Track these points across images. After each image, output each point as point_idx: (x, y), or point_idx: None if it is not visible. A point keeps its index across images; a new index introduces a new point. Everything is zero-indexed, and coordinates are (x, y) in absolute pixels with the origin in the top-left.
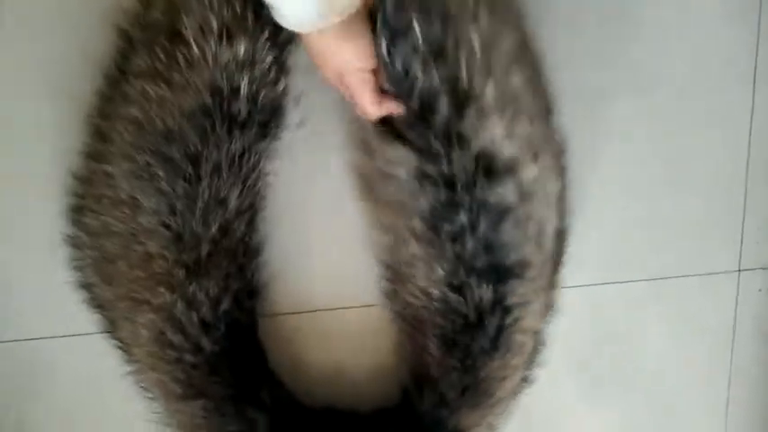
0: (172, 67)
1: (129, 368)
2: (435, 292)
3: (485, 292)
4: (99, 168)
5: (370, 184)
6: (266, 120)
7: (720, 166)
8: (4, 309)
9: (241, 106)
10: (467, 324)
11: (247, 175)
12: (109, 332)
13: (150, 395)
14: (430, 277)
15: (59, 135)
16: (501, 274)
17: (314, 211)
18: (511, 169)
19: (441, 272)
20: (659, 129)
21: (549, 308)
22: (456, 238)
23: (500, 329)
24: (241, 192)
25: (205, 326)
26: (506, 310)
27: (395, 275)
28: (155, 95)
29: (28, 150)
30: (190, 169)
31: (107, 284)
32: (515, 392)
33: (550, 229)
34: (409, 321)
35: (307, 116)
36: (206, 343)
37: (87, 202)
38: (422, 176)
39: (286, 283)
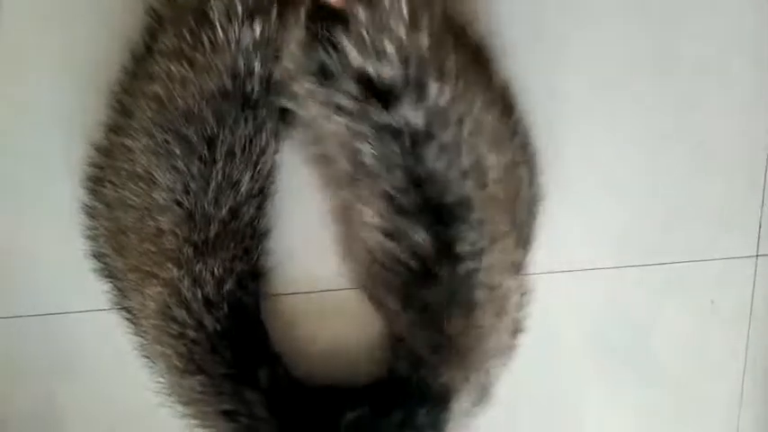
0: (196, 48)
1: (136, 339)
2: (371, 240)
3: (422, 237)
4: (119, 141)
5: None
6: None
7: (740, 151)
8: (35, 282)
9: (255, 86)
10: (414, 275)
11: (259, 158)
12: (118, 302)
13: (155, 367)
14: (366, 224)
15: (81, 109)
16: (439, 215)
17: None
18: (403, 88)
19: (373, 217)
20: (679, 112)
21: (517, 266)
22: (377, 172)
23: (454, 281)
24: (252, 175)
25: (208, 304)
26: (457, 259)
27: (345, 232)
28: (178, 75)
29: (49, 125)
30: (205, 150)
31: (118, 255)
32: (501, 353)
33: (492, 165)
34: (368, 281)
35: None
36: (208, 321)
37: (106, 173)
38: (330, 108)
39: (291, 264)
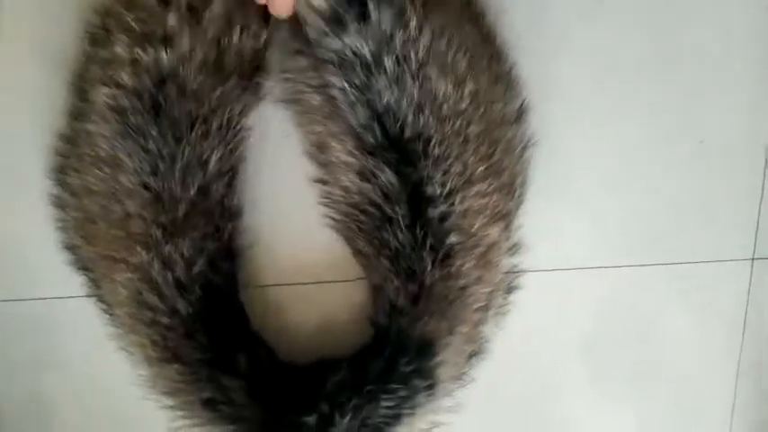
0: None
1: (113, 330)
2: (345, 180)
3: (389, 177)
4: (81, 127)
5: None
6: (249, 72)
7: (739, 152)
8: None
9: (227, 59)
10: (385, 217)
11: (227, 134)
12: (93, 293)
13: (134, 358)
14: (339, 163)
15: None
16: (401, 151)
17: (290, 175)
18: (345, 12)
19: (345, 155)
20: (680, 111)
21: (502, 214)
22: (343, 107)
23: (424, 225)
24: (222, 153)
25: (180, 286)
26: (427, 201)
27: (324, 176)
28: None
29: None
30: (180, 129)
31: (88, 244)
32: (490, 308)
33: (446, 96)
34: (344, 226)
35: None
36: (181, 305)
37: (70, 161)
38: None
39: (268, 254)
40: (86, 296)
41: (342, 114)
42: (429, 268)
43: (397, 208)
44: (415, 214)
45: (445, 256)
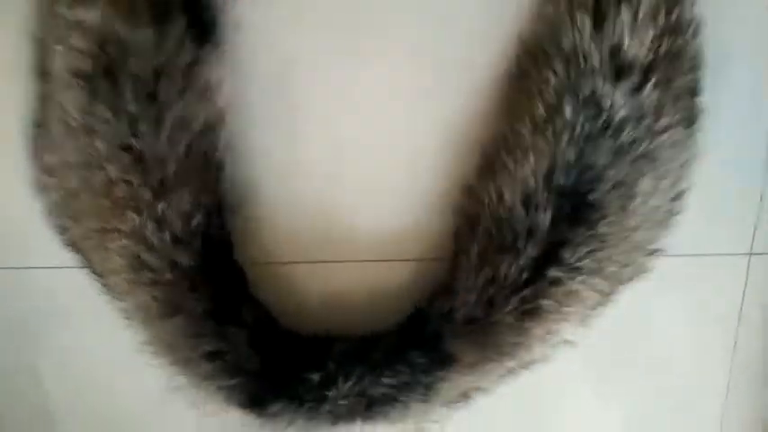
0: None
1: (109, 298)
2: (507, 194)
3: (545, 218)
4: (48, 98)
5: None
6: (210, 21)
7: (740, 148)
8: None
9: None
10: (511, 245)
11: (205, 86)
12: (87, 267)
13: (131, 322)
14: (515, 176)
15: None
16: (572, 207)
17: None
18: (634, 69)
19: (526, 172)
20: None
21: (586, 313)
22: (559, 132)
23: (529, 282)
24: (205, 107)
25: (178, 241)
26: (554, 262)
27: (485, 167)
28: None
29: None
30: (153, 87)
31: (75, 222)
32: (523, 363)
33: (645, 196)
34: (465, 220)
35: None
36: (182, 257)
37: (43, 141)
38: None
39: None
40: (79, 267)
41: (553, 137)
42: (509, 308)
43: (530, 247)
44: (540, 263)
45: (530, 311)
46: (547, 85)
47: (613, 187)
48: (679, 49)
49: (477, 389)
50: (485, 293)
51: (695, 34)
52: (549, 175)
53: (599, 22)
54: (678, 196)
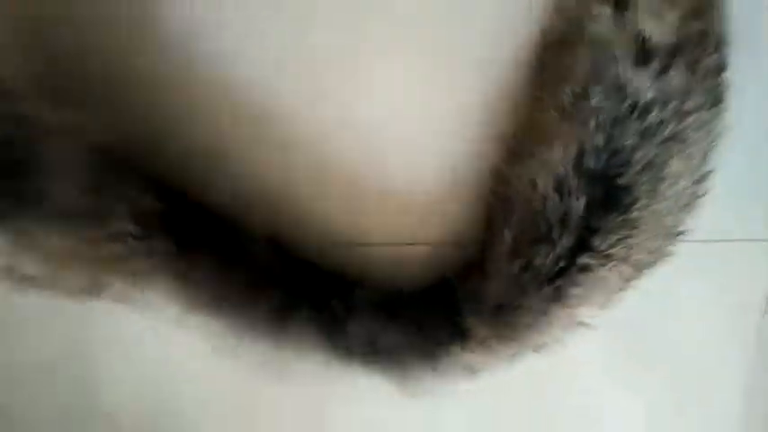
0: None
1: None
2: (541, 185)
3: (579, 205)
4: None
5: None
6: None
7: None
8: None
9: None
10: (538, 237)
11: None
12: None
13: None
14: (550, 159)
15: None
16: (604, 192)
17: None
18: (658, 53)
19: (559, 159)
20: None
21: (609, 298)
22: (586, 119)
23: (563, 271)
24: None
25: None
26: (586, 251)
27: (513, 154)
28: None
29: None
30: None
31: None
32: (536, 346)
33: (674, 178)
34: (498, 206)
35: None
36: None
37: None
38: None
39: None
40: None
41: (579, 124)
42: (540, 296)
43: (565, 236)
44: (574, 252)
45: (557, 297)
46: (571, 73)
47: (643, 169)
48: (704, 30)
49: (485, 367)
50: (519, 281)
51: (720, 13)
52: (578, 160)
53: (620, 8)
54: (703, 178)
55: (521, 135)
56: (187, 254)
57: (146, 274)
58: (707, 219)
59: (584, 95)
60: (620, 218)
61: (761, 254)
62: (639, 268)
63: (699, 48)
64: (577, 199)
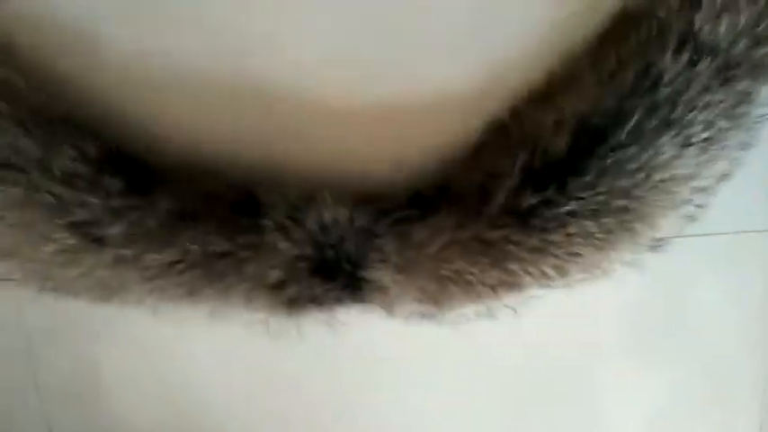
0: None
1: None
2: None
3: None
4: None
5: None
6: None
7: None
8: None
9: None
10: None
11: None
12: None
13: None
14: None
15: None
16: (590, 141)
17: None
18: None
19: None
20: None
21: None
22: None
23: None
24: None
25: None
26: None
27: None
28: None
29: None
30: None
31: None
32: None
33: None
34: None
35: None
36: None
37: None
38: None
39: None
40: None
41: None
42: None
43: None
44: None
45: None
46: (627, 45)
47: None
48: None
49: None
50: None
51: None
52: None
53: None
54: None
55: (544, 82)
56: (139, 194)
57: (101, 220)
58: (729, 212)
59: (625, 67)
60: (600, 164)
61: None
62: (616, 239)
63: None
64: (567, 138)
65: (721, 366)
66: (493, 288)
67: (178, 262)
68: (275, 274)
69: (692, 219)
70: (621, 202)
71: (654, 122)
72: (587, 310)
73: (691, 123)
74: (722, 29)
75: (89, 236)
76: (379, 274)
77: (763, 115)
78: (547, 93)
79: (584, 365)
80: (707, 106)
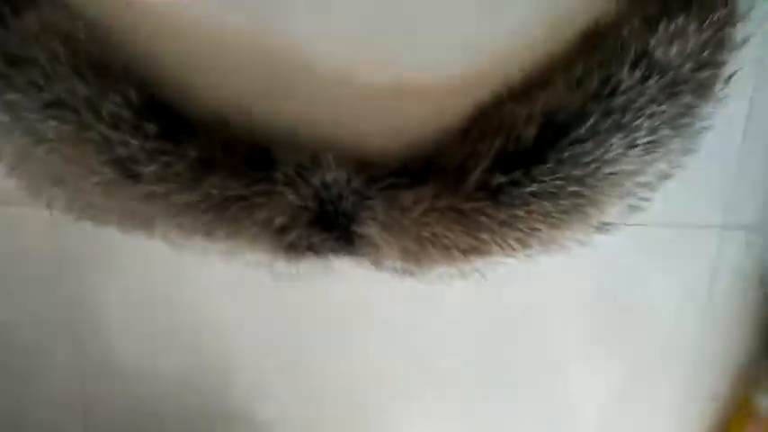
0: None
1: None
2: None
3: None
4: None
5: None
6: None
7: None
8: None
9: None
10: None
11: None
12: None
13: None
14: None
15: None
16: (554, 134)
17: None
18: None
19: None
20: None
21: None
22: (582, 93)
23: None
24: None
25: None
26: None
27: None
28: None
29: None
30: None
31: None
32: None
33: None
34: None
35: None
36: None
37: None
38: None
39: None
40: None
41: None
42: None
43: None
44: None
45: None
46: (593, 56)
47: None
48: (705, 81)
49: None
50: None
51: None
52: (551, 112)
53: (654, 25)
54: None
55: (527, 82)
56: (171, 141)
57: (138, 159)
58: (657, 206)
59: (589, 78)
60: (558, 156)
61: (704, 240)
62: (566, 221)
63: (692, 93)
64: (534, 129)
65: (672, 350)
66: (464, 252)
67: (200, 202)
68: (280, 220)
69: (636, 209)
70: (576, 188)
71: (607, 124)
72: (548, 297)
73: (638, 128)
74: (673, 52)
75: (126, 171)
76: (369, 230)
77: (705, 127)
78: (525, 90)
79: (546, 350)
80: (652, 115)
